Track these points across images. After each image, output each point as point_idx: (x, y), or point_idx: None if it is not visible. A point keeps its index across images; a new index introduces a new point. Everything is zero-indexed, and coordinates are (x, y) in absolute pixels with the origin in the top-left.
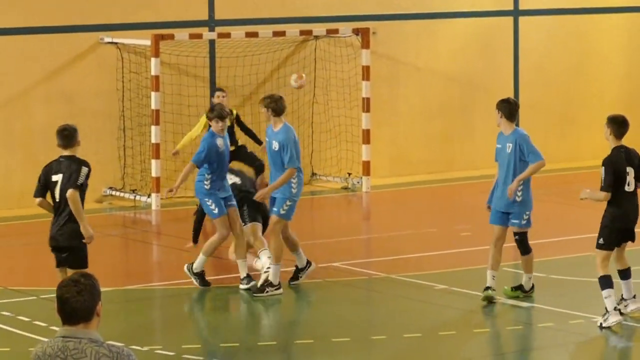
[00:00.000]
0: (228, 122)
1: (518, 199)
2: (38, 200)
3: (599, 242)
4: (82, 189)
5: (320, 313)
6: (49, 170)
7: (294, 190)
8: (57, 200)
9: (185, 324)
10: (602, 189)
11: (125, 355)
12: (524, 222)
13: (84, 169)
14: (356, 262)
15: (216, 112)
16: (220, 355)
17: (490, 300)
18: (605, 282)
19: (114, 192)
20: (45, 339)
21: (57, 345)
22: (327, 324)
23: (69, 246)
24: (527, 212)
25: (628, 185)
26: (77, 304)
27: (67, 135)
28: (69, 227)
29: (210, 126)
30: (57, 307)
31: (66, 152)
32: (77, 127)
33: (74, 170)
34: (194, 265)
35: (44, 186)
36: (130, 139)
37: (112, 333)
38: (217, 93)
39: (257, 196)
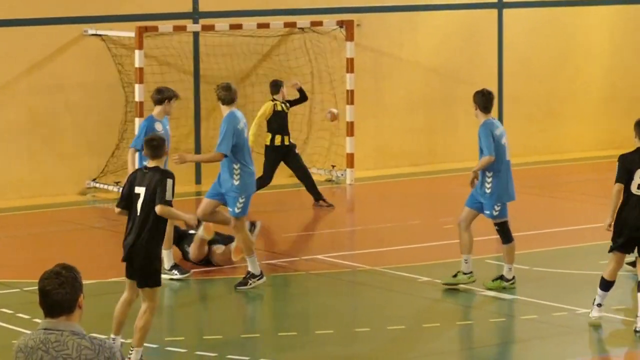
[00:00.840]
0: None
1: (487, 191)
2: (117, 210)
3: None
4: (170, 203)
5: (303, 305)
6: (132, 180)
7: (236, 182)
8: (139, 214)
9: (167, 317)
10: (615, 181)
11: (107, 348)
12: (495, 212)
13: (169, 182)
14: (340, 254)
15: (161, 95)
16: (203, 348)
17: (450, 286)
18: (602, 284)
19: (97, 185)
20: (28, 332)
21: (39, 337)
22: (310, 316)
23: (145, 271)
24: (498, 204)
25: (638, 188)
26: (58, 297)
27: (156, 146)
28: (147, 247)
29: (274, 108)
30: (39, 300)
31: (152, 163)
32: (164, 137)
33: (157, 183)
34: (165, 265)
35: (128, 196)
36: (114, 131)
37: (94, 326)
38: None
39: (174, 158)
